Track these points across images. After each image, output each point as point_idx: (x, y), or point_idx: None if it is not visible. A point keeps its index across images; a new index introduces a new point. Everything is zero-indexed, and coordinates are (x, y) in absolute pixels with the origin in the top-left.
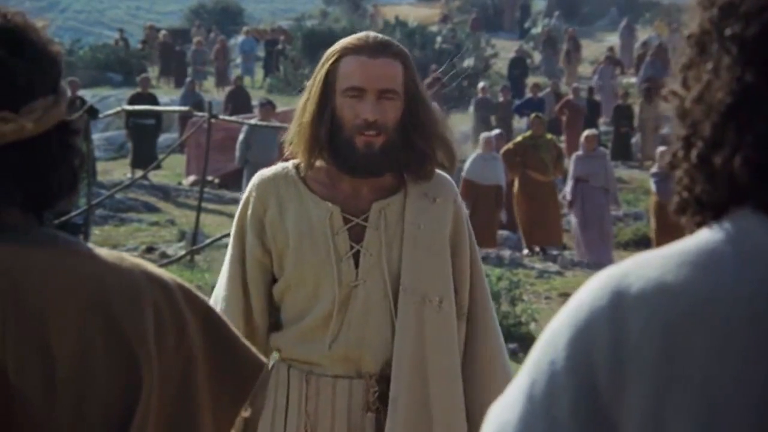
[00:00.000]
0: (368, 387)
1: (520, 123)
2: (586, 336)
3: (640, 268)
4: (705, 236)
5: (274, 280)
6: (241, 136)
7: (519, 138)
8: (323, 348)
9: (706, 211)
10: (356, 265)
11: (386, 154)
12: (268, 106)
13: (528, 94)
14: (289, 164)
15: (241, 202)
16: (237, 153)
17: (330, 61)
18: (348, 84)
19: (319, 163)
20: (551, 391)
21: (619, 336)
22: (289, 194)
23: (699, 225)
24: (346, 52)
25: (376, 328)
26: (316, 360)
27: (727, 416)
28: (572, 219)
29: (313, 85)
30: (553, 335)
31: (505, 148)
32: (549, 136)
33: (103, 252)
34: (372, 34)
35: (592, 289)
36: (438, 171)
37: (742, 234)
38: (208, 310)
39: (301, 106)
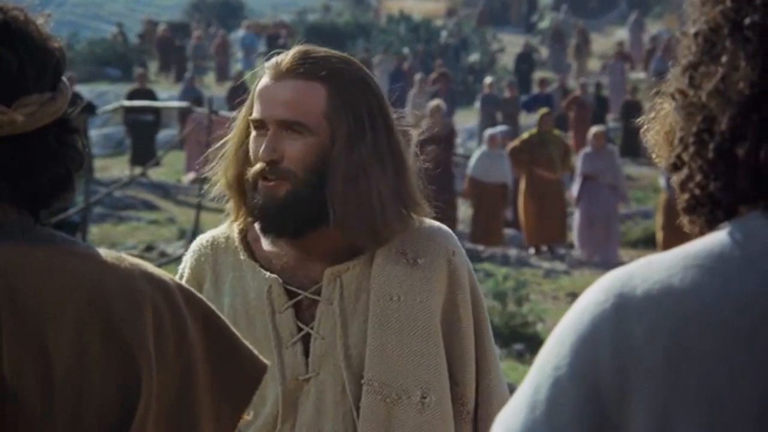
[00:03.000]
0: None
1: (527, 119)
2: (590, 340)
3: (645, 270)
4: (712, 239)
5: None
6: None
7: (526, 135)
8: None
9: (718, 211)
10: (306, 352)
11: (291, 208)
12: None
13: (535, 90)
14: (227, 226)
15: (177, 276)
16: None
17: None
18: (252, 115)
19: None
20: (555, 396)
21: (624, 340)
22: (226, 263)
23: (708, 225)
24: (264, 72)
25: None
26: None
27: (734, 421)
28: (576, 216)
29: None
30: (557, 340)
31: (511, 145)
32: (557, 132)
33: (102, 252)
34: (302, 48)
35: (596, 292)
36: (426, 219)
37: (750, 237)
38: (209, 312)
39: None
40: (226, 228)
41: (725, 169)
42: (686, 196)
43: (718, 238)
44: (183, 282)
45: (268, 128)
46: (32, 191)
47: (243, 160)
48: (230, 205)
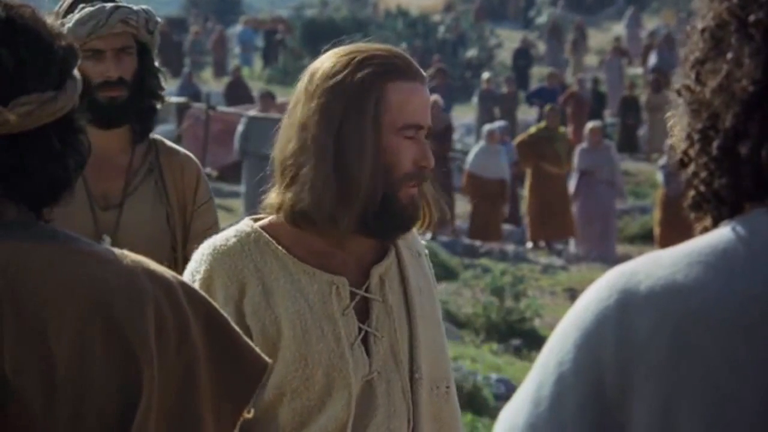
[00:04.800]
0: None
1: (525, 114)
2: (594, 336)
3: (649, 267)
4: (716, 235)
5: None
6: (240, 128)
7: (533, 129)
8: None
9: (723, 207)
10: (366, 352)
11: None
12: (268, 97)
13: (533, 85)
14: (248, 225)
15: (197, 285)
16: (236, 145)
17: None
18: (402, 120)
19: (279, 217)
20: (558, 392)
21: (627, 336)
22: (269, 266)
23: (714, 221)
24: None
25: None
26: None
27: (737, 418)
28: (573, 212)
29: (353, 113)
30: (560, 337)
31: (519, 139)
32: (561, 128)
33: (104, 249)
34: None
35: (599, 289)
36: None
37: (754, 234)
38: (211, 309)
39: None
40: (240, 232)
41: (729, 167)
42: (692, 192)
43: (723, 234)
44: (215, 295)
45: (419, 134)
46: (30, 190)
47: (381, 166)
48: (320, 204)
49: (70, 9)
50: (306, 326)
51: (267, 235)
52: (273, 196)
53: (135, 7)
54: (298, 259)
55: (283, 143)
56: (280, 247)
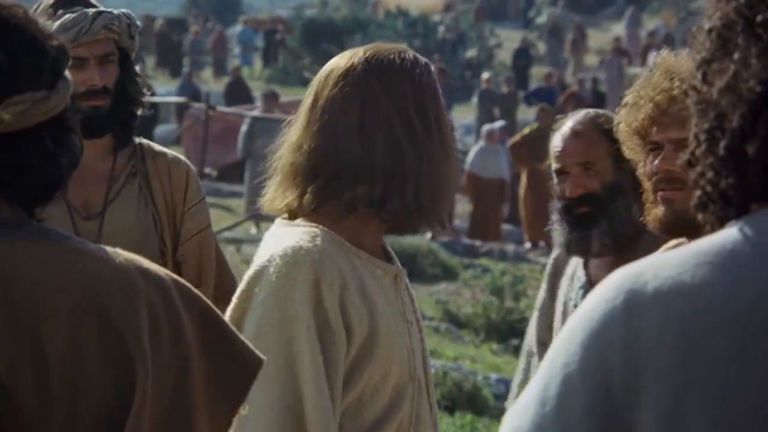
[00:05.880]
0: None
1: (524, 114)
2: (601, 337)
3: (655, 267)
4: (723, 236)
5: None
6: (244, 128)
7: (527, 130)
8: None
9: (730, 208)
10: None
11: None
12: (271, 97)
13: (532, 85)
14: (310, 227)
15: (299, 290)
16: (239, 144)
17: None
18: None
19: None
20: (565, 393)
21: (635, 336)
22: (354, 264)
23: (721, 222)
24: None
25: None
26: None
27: (744, 417)
28: None
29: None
30: (567, 337)
31: (512, 140)
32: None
33: (97, 247)
34: None
35: (606, 289)
36: None
37: (761, 234)
38: (205, 308)
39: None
40: (311, 230)
41: (736, 167)
42: (698, 193)
43: (730, 234)
44: (325, 292)
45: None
46: (23, 189)
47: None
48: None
49: (48, 14)
50: (390, 321)
51: (335, 234)
52: (293, 197)
53: (116, 12)
54: (367, 252)
55: (330, 141)
56: (351, 245)
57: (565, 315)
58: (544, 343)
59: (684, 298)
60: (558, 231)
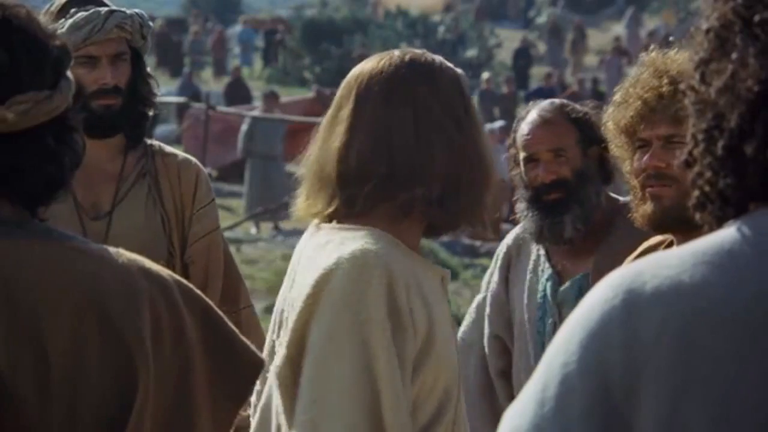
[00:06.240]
0: None
1: None
2: (599, 337)
3: (654, 267)
4: (722, 236)
5: None
6: (244, 127)
7: None
8: None
9: (728, 208)
10: None
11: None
12: (271, 97)
13: (532, 85)
14: (371, 231)
15: (374, 292)
16: (240, 144)
17: None
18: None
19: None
20: (564, 393)
21: (633, 336)
22: (413, 266)
23: (719, 221)
24: None
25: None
26: None
27: (744, 417)
28: None
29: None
30: (565, 337)
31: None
32: None
33: (99, 247)
34: None
35: (605, 289)
36: None
37: (759, 233)
38: (207, 308)
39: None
40: (374, 233)
41: (734, 167)
42: (696, 193)
43: (728, 234)
44: (399, 293)
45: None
46: (26, 189)
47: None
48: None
49: (62, 13)
50: (443, 323)
51: (399, 242)
52: (337, 201)
53: (129, 11)
54: (420, 256)
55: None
56: (406, 247)
57: (530, 307)
58: (497, 336)
59: (683, 298)
60: (527, 219)
